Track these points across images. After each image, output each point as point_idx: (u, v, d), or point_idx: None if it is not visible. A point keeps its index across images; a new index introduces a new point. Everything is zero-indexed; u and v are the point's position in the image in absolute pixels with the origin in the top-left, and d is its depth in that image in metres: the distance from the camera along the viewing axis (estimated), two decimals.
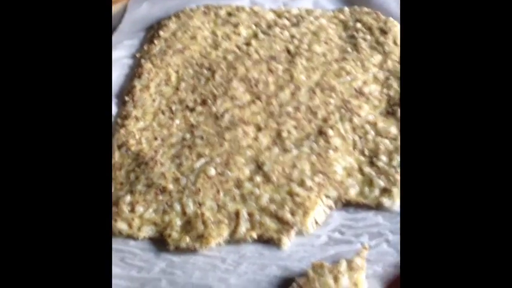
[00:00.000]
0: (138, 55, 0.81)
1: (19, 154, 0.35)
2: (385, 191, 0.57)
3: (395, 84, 0.70)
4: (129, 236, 0.55)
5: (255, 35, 0.82)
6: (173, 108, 0.70)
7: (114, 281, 0.51)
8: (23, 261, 0.34)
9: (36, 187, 0.35)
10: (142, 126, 0.67)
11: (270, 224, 0.55)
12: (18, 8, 0.37)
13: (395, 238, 0.53)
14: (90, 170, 0.37)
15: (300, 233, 0.55)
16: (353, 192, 0.58)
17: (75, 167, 0.36)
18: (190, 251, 0.53)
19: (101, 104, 0.38)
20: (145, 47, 0.81)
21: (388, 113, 0.67)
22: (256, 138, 0.64)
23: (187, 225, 0.55)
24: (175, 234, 0.55)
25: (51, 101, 0.37)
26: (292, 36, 0.81)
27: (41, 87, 0.37)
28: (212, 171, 0.60)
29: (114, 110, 0.71)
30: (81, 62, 0.38)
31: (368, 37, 0.79)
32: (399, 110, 0.66)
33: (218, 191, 0.58)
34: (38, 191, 0.35)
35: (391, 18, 0.82)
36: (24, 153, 0.35)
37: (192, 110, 0.69)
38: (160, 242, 0.55)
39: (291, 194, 0.57)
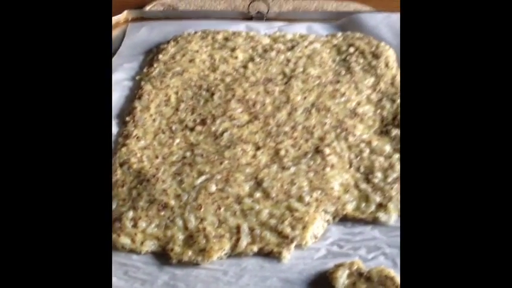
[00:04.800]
0: (138, 77, 0.83)
1: (19, 167, 0.36)
2: (381, 206, 0.59)
3: (388, 105, 0.73)
4: (132, 251, 0.56)
5: (252, 59, 0.85)
6: (173, 127, 0.71)
7: None
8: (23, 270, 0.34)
9: (38, 202, 0.36)
10: (143, 145, 0.69)
11: (270, 237, 0.56)
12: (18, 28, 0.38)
13: (392, 251, 0.55)
14: (90, 188, 0.37)
15: (299, 246, 0.56)
16: (350, 208, 0.60)
17: (76, 183, 0.37)
18: (192, 264, 0.54)
19: (102, 123, 0.39)
20: (145, 70, 0.83)
21: (382, 133, 0.69)
22: (255, 156, 0.66)
23: (189, 240, 0.56)
24: (177, 248, 0.56)
25: (54, 117, 0.38)
26: (288, 60, 0.84)
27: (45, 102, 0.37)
28: (213, 188, 0.61)
29: (115, 130, 0.72)
30: (82, 80, 0.39)
31: (361, 60, 0.82)
32: (393, 129, 0.68)
33: (219, 207, 0.59)
34: (40, 206, 0.36)
35: (383, 43, 0.86)
36: (26, 168, 0.36)
37: (191, 129, 0.71)
38: (162, 256, 0.56)
39: (290, 209, 0.59)
